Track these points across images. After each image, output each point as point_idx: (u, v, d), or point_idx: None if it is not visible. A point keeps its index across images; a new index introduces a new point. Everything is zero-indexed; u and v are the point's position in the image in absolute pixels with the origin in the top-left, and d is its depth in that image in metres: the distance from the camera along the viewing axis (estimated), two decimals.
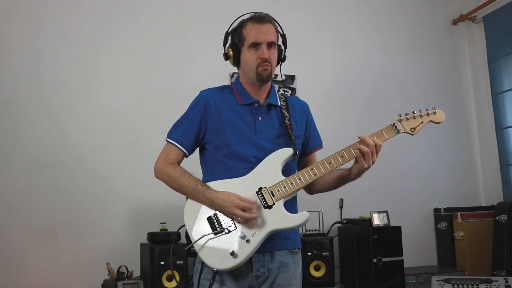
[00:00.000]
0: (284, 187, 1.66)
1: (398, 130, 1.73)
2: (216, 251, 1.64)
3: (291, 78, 3.55)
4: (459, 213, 3.47)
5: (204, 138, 1.77)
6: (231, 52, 1.78)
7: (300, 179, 1.68)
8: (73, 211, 3.00)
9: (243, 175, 1.69)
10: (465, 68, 4.05)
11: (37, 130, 3.02)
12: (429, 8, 4.01)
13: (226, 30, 1.81)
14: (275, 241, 1.69)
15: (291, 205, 1.72)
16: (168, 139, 1.79)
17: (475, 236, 3.40)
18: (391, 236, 3.04)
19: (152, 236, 2.80)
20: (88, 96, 3.14)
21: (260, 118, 1.76)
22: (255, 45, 1.73)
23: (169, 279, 2.64)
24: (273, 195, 1.66)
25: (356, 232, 3.12)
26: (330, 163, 1.68)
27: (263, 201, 1.66)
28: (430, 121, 1.79)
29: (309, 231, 3.15)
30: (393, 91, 3.80)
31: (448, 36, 4.04)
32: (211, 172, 1.76)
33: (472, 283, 2.81)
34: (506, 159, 3.65)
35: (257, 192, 1.67)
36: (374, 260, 2.95)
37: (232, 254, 1.61)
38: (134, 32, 3.29)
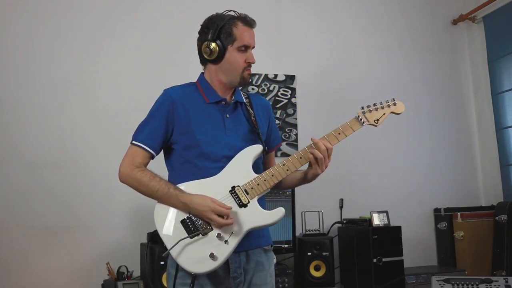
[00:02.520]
0: (258, 184, 1.63)
1: (363, 122, 1.74)
2: (195, 254, 1.59)
3: (291, 78, 3.55)
4: (459, 213, 3.46)
5: (171, 138, 1.72)
6: (217, 48, 1.69)
7: (273, 175, 1.65)
8: (73, 211, 3.00)
9: (214, 175, 1.66)
10: (465, 68, 4.04)
11: (37, 129, 3.02)
12: (429, 8, 4.01)
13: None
14: (249, 239, 1.66)
15: (261, 202, 1.68)
16: (134, 142, 1.72)
17: (475, 236, 3.40)
18: (391, 236, 3.03)
19: (152, 236, 2.79)
20: (88, 96, 3.14)
21: (227, 116, 1.73)
22: (246, 48, 1.70)
23: None
24: (247, 193, 1.63)
25: (356, 232, 3.12)
26: (301, 158, 1.67)
27: (238, 200, 1.63)
28: (392, 112, 1.77)
29: (309, 231, 3.15)
30: (393, 91, 3.76)
31: (448, 36, 4.04)
32: (179, 173, 1.71)
33: (472, 283, 2.81)
34: (506, 159, 3.65)
35: (230, 191, 1.63)
36: (374, 260, 2.95)
37: (212, 256, 1.57)
38: (134, 32, 3.29)
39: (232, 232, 1.60)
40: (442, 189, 3.77)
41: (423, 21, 3.98)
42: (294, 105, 3.52)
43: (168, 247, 1.61)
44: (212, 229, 1.60)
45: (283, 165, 1.66)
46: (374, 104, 1.76)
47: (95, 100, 3.14)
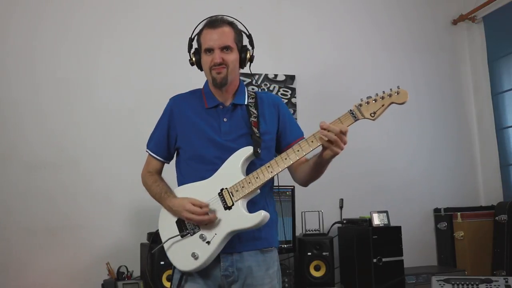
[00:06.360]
0: (243, 187, 1.66)
1: (356, 117, 1.61)
2: (180, 252, 1.70)
3: (291, 78, 3.55)
4: (459, 213, 3.46)
5: (176, 143, 1.84)
6: (193, 58, 1.85)
7: (257, 177, 1.65)
8: (73, 211, 2.99)
9: (208, 177, 1.72)
10: (465, 68, 4.05)
11: (36, 130, 3.02)
12: (429, 8, 4.01)
13: (189, 36, 1.87)
14: (242, 242, 1.70)
15: (250, 205, 1.69)
16: (146, 149, 1.92)
17: (475, 236, 3.40)
18: (391, 236, 3.03)
19: (152, 236, 2.80)
20: (87, 95, 3.14)
21: (225, 120, 1.78)
22: (210, 50, 1.76)
23: (169, 279, 2.63)
24: (233, 196, 1.67)
25: (356, 232, 3.12)
26: (286, 159, 1.64)
27: (223, 202, 1.67)
28: (392, 102, 1.61)
29: (309, 231, 3.15)
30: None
31: (448, 36, 4.04)
32: (183, 175, 1.82)
33: (472, 283, 2.81)
34: (506, 159, 3.65)
35: (218, 193, 1.68)
36: (374, 260, 2.95)
37: (193, 255, 1.65)
38: (133, 31, 3.28)
39: (216, 234, 1.65)
40: (442, 189, 3.77)
41: (423, 21, 3.98)
42: (294, 105, 3.52)
43: (164, 245, 1.74)
44: (200, 230, 1.68)
45: (268, 167, 1.65)
46: (376, 95, 1.62)
47: (94, 100, 3.14)
